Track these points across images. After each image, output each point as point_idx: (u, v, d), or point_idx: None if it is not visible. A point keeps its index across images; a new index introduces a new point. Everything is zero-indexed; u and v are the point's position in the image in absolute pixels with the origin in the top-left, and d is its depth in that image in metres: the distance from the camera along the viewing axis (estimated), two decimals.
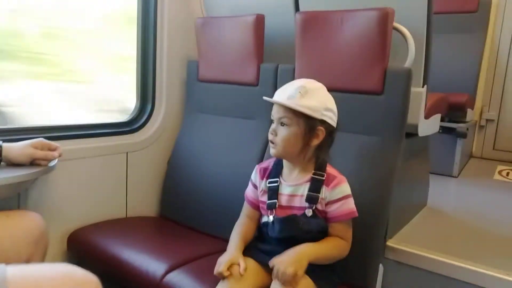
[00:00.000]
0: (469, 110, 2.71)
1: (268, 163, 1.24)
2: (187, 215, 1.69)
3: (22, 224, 1.14)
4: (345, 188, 1.13)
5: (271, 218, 1.15)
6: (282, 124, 1.11)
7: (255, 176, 1.24)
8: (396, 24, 1.32)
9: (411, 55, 1.33)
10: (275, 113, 1.13)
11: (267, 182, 1.19)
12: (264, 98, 1.16)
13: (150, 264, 1.28)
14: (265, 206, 1.18)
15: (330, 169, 1.16)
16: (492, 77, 3.22)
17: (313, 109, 1.08)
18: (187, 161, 1.76)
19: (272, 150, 1.14)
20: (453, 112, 2.55)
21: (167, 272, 1.24)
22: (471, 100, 2.78)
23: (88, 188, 1.61)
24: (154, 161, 1.83)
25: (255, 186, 1.24)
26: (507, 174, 2.78)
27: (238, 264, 1.07)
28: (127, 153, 1.73)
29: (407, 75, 1.27)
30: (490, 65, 3.21)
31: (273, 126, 1.13)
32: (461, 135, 2.52)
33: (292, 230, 1.12)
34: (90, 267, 0.89)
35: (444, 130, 2.56)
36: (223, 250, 1.26)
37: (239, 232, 1.21)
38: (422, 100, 1.45)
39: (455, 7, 2.93)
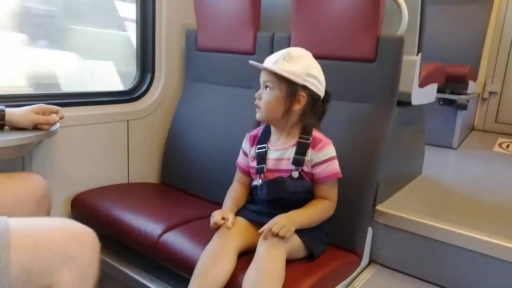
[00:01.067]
0: (471, 82, 2.69)
1: (258, 130, 1.29)
2: (187, 182, 1.75)
3: (25, 185, 1.19)
4: (330, 150, 1.17)
5: (259, 181, 1.21)
6: (266, 87, 1.16)
7: (245, 144, 1.29)
8: None
9: (404, 22, 1.33)
10: (261, 78, 1.18)
11: (256, 148, 1.24)
12: (250, 62, 1.20)
13: (148, 225, 1.34)
14: (254, 171, 1.23)
15: (315, 133, 1.20)
16: (496, 49, 3.18)
17: (295, 74, 1.12)
18: (187, 129, 1.80)
19: (257, 114, 1.20)
20: (454, 83, 2.55)
21: (163, 232, 1.30)
22: (473, 72, 2.76)
23: (91, 154, 1.66)
24: (155, 129, 1.88)
25: (245, 154, 1.29)
26: (507, 146, 2.79)
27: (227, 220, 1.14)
28: (128, 121, 1.77)
29: (399, 42, 1.29)
30: (495, 37, 3.17)
31: (259, 91, 1.18)
32: (461, 107, 2.52)
33: (279, 192, 1.17)
34: (93, 228, 0.94)
35: (444, 101, 2.57)
36: None
37: (232, 197, 1.27)
38: (416, 68, 1.46)
39: None
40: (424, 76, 1.60)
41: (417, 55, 1.46)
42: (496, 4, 3.06)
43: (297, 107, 1.15)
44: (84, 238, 0.89)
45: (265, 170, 1.21)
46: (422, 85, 1.58)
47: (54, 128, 1.34)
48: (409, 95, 1.46)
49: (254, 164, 1.24)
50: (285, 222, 1.06)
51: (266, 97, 1.16)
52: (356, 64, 1.36)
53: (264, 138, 1.25)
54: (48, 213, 1.27)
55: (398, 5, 1.35)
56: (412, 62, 1.44)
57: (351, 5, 1.34)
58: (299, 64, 1.13)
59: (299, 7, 1.46)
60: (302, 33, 1.48)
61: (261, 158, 1.22)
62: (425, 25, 1.47)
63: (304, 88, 1.14)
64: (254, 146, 1.26)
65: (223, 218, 1.14)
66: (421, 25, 1.45)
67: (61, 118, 1.33)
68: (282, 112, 1.16)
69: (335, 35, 1.39)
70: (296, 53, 1.14)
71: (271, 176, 1.20)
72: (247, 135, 1.30)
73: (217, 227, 1.13)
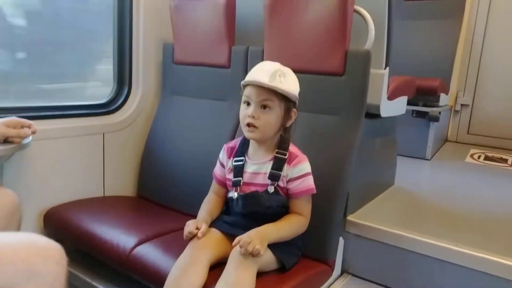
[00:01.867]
0: (442, 95, 2.78)
1: (235, 142, 1.29)
2: (163, 195, 1.74)
3: None
4: (305, 166, 1.19)
5: (235, 194, 1.21)
6: (264, 107, 1.14)
7: (223, 155, 1.30)
8: (356, 7, 1.37)
9: (370, 37, 1.38)
10: (255, 96, 1.13)
11: (233, 160, 1.25)
12: (254, 81, 1.13)
13: (120, 238, 1.34)
14: (230, 183, 1.24)
15: (292, 148, 1.21)
16: (467, 63, 3.30)
17: (292, 92, 1.15)
18: (163, 142, 1.80)
19: (250, 134, 1.16)
20: (426, 96, 2.63)
21: (136, 246, 1.29)
22: (444, 85, 2.85)
23: (65, 167, 1.65)
24: (131, 142, 1.88)
25: (222, 165, 1.29)
26: (479, 157, 2.87)
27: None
28: (103, 133, 1.77)
29: (366, 56, 1.33)
30: (465, 51, 3.29)
31: (251, 109, 1.13)
32: (433, 119, 2.60)
33: (254, 206, 1.18)
34: (66, 243, 0.93)
35: (417, 114, 2.64)
36: None
37: (207, 208, 1.27)
38: (384, 81, 1.51)
39: None
40: (393, 89, 1.65)
41: (385, 68, 1.51)
42: (466, 19, 3.18)
43: (289, 124, 1.18)
44: (50, 253, 0.88)
45: (241, 183, 1.22)
46: (391, 97, 1.63)
47: (26, 141, 1.33)
48: (378, 107, 1.51)
49: (230, 176, 1.25)
50: (254, 238, 1.04)
51: (266, 117, 1.14)
52: (325, 78, 1.39)
53: (242, 150, 1.25)
54: (18, 228, 1.24)
55: (365, 20, 1.40)
56: (380, 75, 1.49)
57: (320, 20, 1.38)
58: (291, 81, 1.16)
59: (272, 22, 1.50)
60: (275, 47, 1.51)
61: (238, 171, 1.23)
62: (393, 40, 1.52)
63: (294, 104, 1.17)
64: (231, 158, 1.26)
65: (197, 228, 1.14)
66: (388, 39, 1.50)
67: (33, 132, 1.32)
68: (277, 129, 1.18)
69: (306, 49, 1.43)
70: (285, 70, 1.15)
71: (247, 189, 1.20)
72: (225, 146, 1.30)
73: (191, 237, 1.13)
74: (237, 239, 1.06)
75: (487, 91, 3.28)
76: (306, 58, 1.43)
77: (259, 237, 1.06)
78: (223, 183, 1.29)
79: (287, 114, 1.17)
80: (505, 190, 2.13)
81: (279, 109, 1.15)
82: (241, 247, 1.03)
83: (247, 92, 1.15)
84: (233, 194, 1.22)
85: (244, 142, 1.27)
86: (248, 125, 1.14)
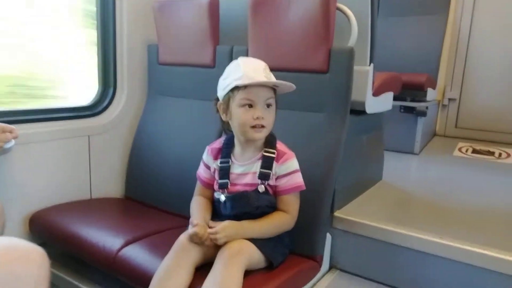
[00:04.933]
0: (430, 90, 2.80)
1: (219, 142, 1.27)
2: (151, 195, 1.74)
3: None
4: (293, 163, 1.19)
5: (222, 197, 1.20)
6: (268, 105, 1.14)
7: (207, 157, 1.28)
8: (339, 5, 1.38)
9: (353, 34, 1.39)
10: (261, 97, 1.11)
11: (219, 162, 1.24)
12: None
13: (107, 239, 1.33)
14: (217, 186, 1.23)
15: (280, 145, 1.21)
16: (453, 57, 3.33)
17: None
18: (150, 143, 1.80)
19: (259, 135, 1.14)
20: (413, 91, 2.65)
21: (122, 247, 1.28)
22: (431, 80, 2.87)
23: (51, 171, 1.63)
24: (117, 144, 1.87)
25: (207, 167, 1.27)
26: (466, 150, 2.90)
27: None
28: (88, 136, 1.76)
29: (350, 53, 1.33)
30: (451, 46, 3.32)
31: (259, 110, 1.12)
32: (421, 114, 2.62)
33: (243, 207, 1.17)
34: (53, 247, 0.93)
35: (405, 109, 2.66)
36: (181, 225, 1.33)
37: (199, 206, 1.24)
38: (369, 78, 1.51)
39: None
40: (379, 85, 1.66)
41: (370, 65, 1.52)
42: (452, 14, 3.21)
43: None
44: (31, 256, 0.87)
45: (228, 186, 1.21)
46: (376, 93, 1.64)
47: (8, 145, 1.32)
48: (363, 104, 1.52)
49: (217, 177, 1.24)
50: (223, 229, 1.08)
51: (270, 116, 1.14)
52: (310, 76, 1.40)
53: (227, 151, 1.23)
54: (1, 233, 1.24)
55: (348, 17, 1.40)
56: (365, 72, 1.49)
57: (304, 18, 1.38)
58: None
59: (256, 21, 1.50)
60: (259, 46, 1.51)
61: (225, 173, 1.21)
62: (377, 36, 1.53)
63: None
64: (216, 159, 1.25)
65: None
66: (372, 36, 1.51)
67: (14, 137, 1.31)
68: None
69: (290, 48, 1.43)
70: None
71: (235, 190, 1.20)
72: (208, 148, 1.28)
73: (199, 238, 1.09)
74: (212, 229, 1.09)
75: (474, 85, 3.32)
76: (290, 56, 1.43)
77: (233, 229, 1.09)
78: (209, 185, 1.27)
79: (276, 108, 1.18)
80: (492, 183, 2.15)
81: (275, 105, 1.17)
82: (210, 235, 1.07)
83: (248, 94, 1.11)
84: (220, 196, 1.21)
85: (228, 142, 1.25)
86: (255, 126, 1.12)
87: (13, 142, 1.34)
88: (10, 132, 1.31)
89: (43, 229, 1.51)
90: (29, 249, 0.88)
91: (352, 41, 1.39)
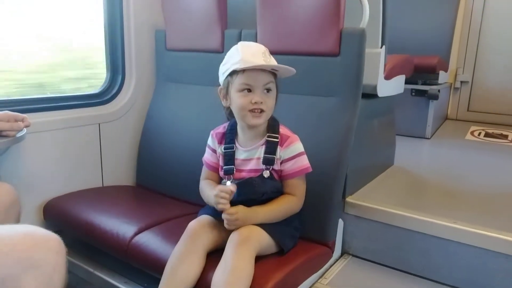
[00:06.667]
0: (442, 73, 2.75)
1: (223, 127, 1.26)
2: (162, 183, 1.74)
3: None
4: (298, 146, 1.18)
5: (228, 183, 1.18)
6: (268, 90, 1.12)
7: (212, 141, 1.27)
8: None
9: (365, 15, 1.35)
10: (259, 81, 1.10)
11: (223, 147, 1.23)
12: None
13: (120, 227, 1.34)
14: (222, 172, 1.23)
15: (283, 129, 1.20)
16: (466, 39, 3.26)
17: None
18: (160, 129, 1.79)
19: (258, 120, 1.12)
20: (425, 74, 2.60)
21: (135, 234, 1.30)
22: (443, 62, 2.81)
23: (62, 159, 1.64)
24: (128, 131, 1.87)
25: (213, 150, 1.27)
26: (479, 134, 2.86)
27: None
28: (99, 124, 1.76)
29: (361, 35, 1.31)
30: (464, 27, 3.24)
31: (258, 95, 1.10)
32: (432, 97, 2.57)
33: (249, 193, 1.16)
34: (67, 234, 0.93)
35: (416, 92, 2.62)
36: (193, 212, 1.34)
37: (210, 185, 1.23)
38: (380, 60, 1.48)
39: None
40: (390, 68, 1.63)
41: (381, 47, 1.49)
42: None
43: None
44: (48, 244, 0.88)
45: (234, 171, 1.20)
46: (388, 77, 1.61)
47: (20, 134, 1.32)
48: (374, 87, 1.49)
49: (221, 163, 1.24)
50: (238, 213, 1.08)
51: (270, 100, 1.13)
52: (320, 59, 1.37)
53: (231, 137, 1.23)
54: (17, 221, 1.25)
55: None
56: (376, 55, 1.46)
57: (313, 0, 1.35)
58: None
59: (264, 4, 1.47)
60: (268, 30, 1.49)
61: (229, 158, 1.21)
62: (389, 18, 1.50)
63: None
64: (221, 144, 1.24)
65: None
66: (383, 18, 1.47)
67: (26, 126, 1.31)
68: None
69: (300, 30, 1.40)
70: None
71: (240, 176, 1.19)
72: (212, 132, 1.28)
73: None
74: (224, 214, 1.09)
75: (486, 67, 3.24)
76: (300, 39, 1.40)
77: (244, 213, 1.09)
78: (216, 169, 1.27)
79: (277, 92, 1.16)
80: (505, 167, 2.12)
81: (275, 89, 1.15)
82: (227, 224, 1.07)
83: (247, 79, 1.09)
84: (227, 183, 1.20)
85: (232, 127, 1.24)
86: (254, 110, 1.11)
87: (25, 130, 1.34)
88: (22, 120, 1.31)
89: (58, 217, 1.53)
90: (46, 236, 0.88)
91: (363, 23, 1.36)
